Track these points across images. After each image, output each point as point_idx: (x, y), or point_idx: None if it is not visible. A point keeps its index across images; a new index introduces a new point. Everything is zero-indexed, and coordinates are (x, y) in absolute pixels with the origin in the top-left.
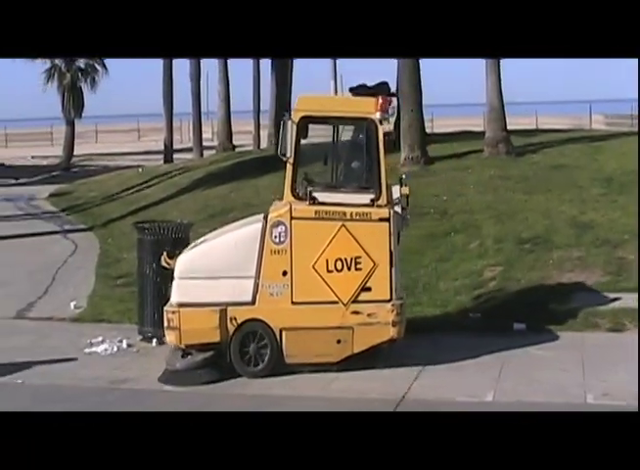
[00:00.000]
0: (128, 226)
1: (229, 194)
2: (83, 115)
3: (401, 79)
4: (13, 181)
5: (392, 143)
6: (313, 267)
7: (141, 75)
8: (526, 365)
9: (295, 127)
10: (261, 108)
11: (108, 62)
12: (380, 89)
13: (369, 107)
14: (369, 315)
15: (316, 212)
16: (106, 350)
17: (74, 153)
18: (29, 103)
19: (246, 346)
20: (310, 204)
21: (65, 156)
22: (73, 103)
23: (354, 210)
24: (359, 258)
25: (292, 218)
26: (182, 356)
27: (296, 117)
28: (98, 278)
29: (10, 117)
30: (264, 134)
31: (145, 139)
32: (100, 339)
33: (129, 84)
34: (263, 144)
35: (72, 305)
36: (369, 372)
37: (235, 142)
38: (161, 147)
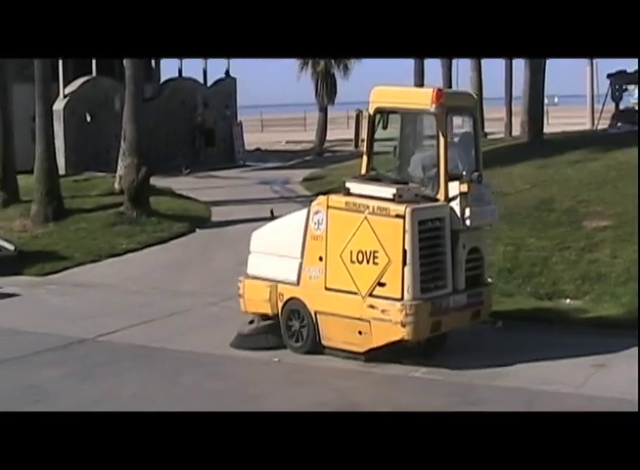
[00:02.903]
0: None
1: None
2: (335, 101)
3: None
4: (268, 165)
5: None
6: (340, 256)
7: (392, 61)
8: None
9: (368, 118)
10: (513, 94)
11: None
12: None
13: (425, 99)
14: (383, 311)
15: (346, 203)
16: None
17: (327, 138)
18: (284, 90)
19: (291, 321)
20: (344, 194)
21: (317, 141)
22: (326, 90)
23: (376, 203)
24: (377, 252)
25: (328, 207)
26: (249, 323)
27: (370, 108)
28: None
29: (265, 103)
30: (516, 121)
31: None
32: None
33: (380, 71)
34: (515, 132)
35: None
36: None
37: (486, 129)
38: None
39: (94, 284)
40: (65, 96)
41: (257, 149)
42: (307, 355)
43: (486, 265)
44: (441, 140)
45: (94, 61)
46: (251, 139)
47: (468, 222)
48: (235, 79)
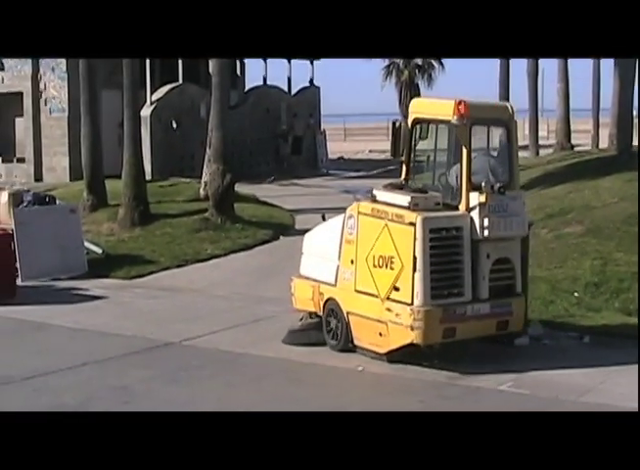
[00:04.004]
0: None
1: (567, 195)
2: None
3: None
4: (352, 174)
5: None
6: (366, 260)
7: (477, 72)
8: None
9: (407, 129)
10: (601, 106)
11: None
12: None
13: (448, 110)
14: (397, 315)
15: (372, 210)
16: None
17: None
18: (367, 99)
19: (329, 320)
20: (371, 201)
21: None
22: (410, 99)
23: (395, 211)
24: (393, 257)
25: (359, 213)
26: (300, 319)
27: (410, 119)
28: None
29: (348, 112)
30: (603, 134)
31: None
32: None
33: (464, 81)
34: (602, 144)
35: None
36: None
37: (572, 141)
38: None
39: (180, 288)
40: (151, 103)
41: (341, 158)
42: (393, 365)
43: (518, 276)
44: (464, 151)
45: (180, 68)
46: (334, 148)
47: (486, 232)
48: (319, 88)
